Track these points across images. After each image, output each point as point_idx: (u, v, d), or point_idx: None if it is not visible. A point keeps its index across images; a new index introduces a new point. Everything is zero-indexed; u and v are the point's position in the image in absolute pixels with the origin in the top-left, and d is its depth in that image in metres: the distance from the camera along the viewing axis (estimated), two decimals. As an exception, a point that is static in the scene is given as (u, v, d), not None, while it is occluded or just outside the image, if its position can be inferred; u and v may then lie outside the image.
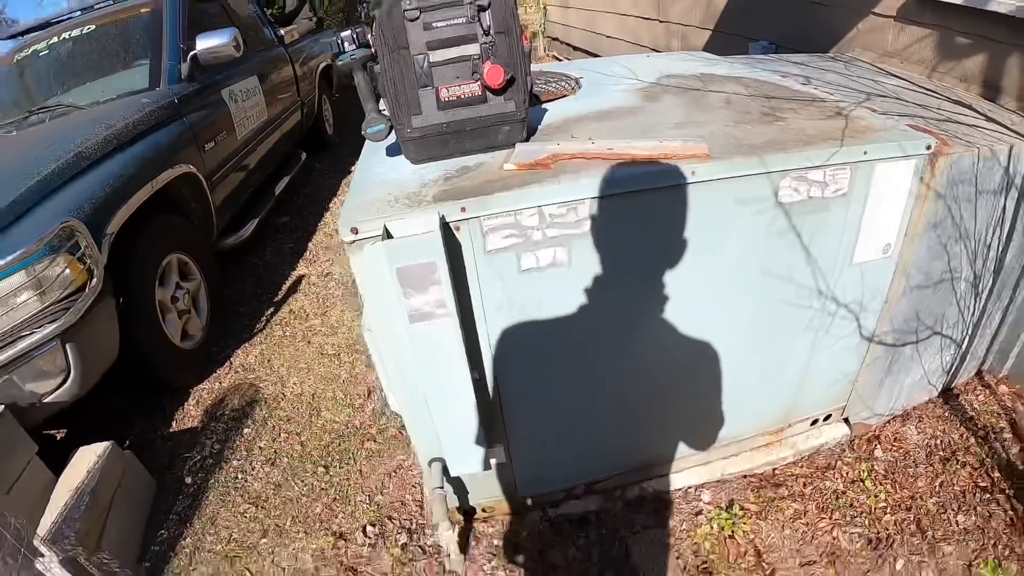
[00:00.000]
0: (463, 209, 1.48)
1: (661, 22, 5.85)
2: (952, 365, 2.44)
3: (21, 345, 2.38)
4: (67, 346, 2.48)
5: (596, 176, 1.51)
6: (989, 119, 2.16)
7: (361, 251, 1.47)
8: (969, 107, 2.29)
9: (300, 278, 4.31)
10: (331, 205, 5.57)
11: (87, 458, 2.40)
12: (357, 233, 1.47)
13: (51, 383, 2.49)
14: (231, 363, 3.46)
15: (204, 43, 3.91)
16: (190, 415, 3.14)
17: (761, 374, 2.09)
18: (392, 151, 1.86)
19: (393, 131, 1.69)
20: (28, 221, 2.54)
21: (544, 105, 2.18)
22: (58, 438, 3.16)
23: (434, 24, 1.57)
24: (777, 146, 1.64)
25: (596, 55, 8.02)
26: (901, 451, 2.38)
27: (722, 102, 2.11)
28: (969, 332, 2.35)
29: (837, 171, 1.68)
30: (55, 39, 4.39)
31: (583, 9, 8.39)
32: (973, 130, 1.99)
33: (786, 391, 2.19)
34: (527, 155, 1.63)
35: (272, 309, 3.96)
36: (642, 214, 1.58)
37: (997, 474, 2.23)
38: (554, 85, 2.40)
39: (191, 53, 3.94)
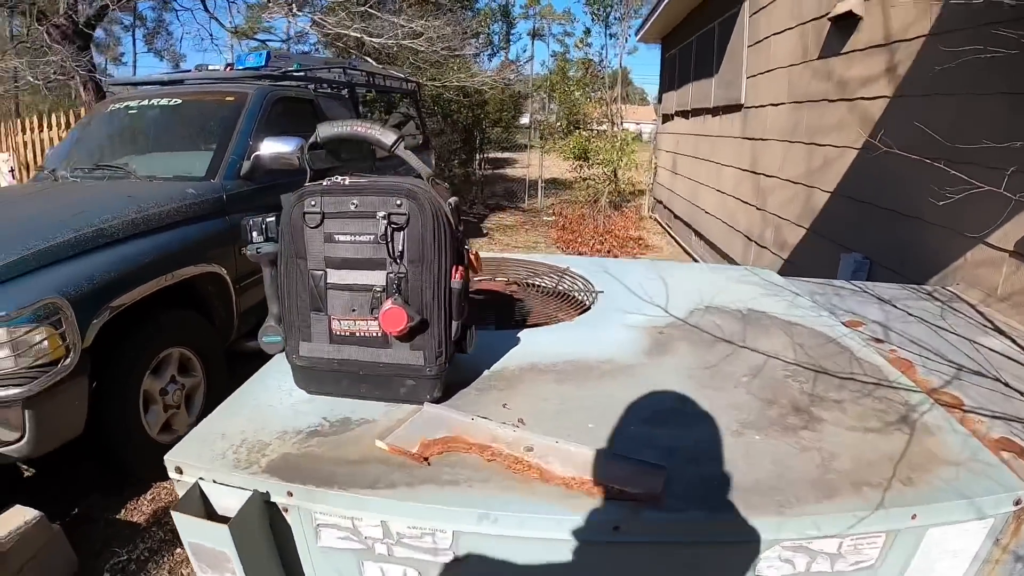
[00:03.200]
0: (290, 494, 1.05)
1: (758, 209, 5.37)
2: None
3: None
4: (27, 411, 2.41)
5: (469, 502, 1.02)
6: None
7: (181, 486, 1.13)
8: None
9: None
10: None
11: (14, 520, 2.37)
12: (181, 474, 1.13)
13: (7, 436, 2.45)
14: None
15: (268, 147, 3.69)
16: (140, 509, 2.90)
17: None
18: None
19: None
20: (24, 284, 2.51)
21: (525, 331, 1.71)
22: (24, 475, 3.18)
23: (336, 236, 1.18)
24: (780, 493, 1.06)
25: (694, 228, 7.59)
26: None
27: (748, 371, 1.53)
28: None
29: (864, 539, 1.07)
30: (145, 102, 4.38)
31: (688, 179, 8.06)
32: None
33: None
34: (416, 431, 1.17)
35: None
36: (523, 564, 1.05)
37: None
38: (564, 296, 1.95)
39: (256, 153, 3.75)
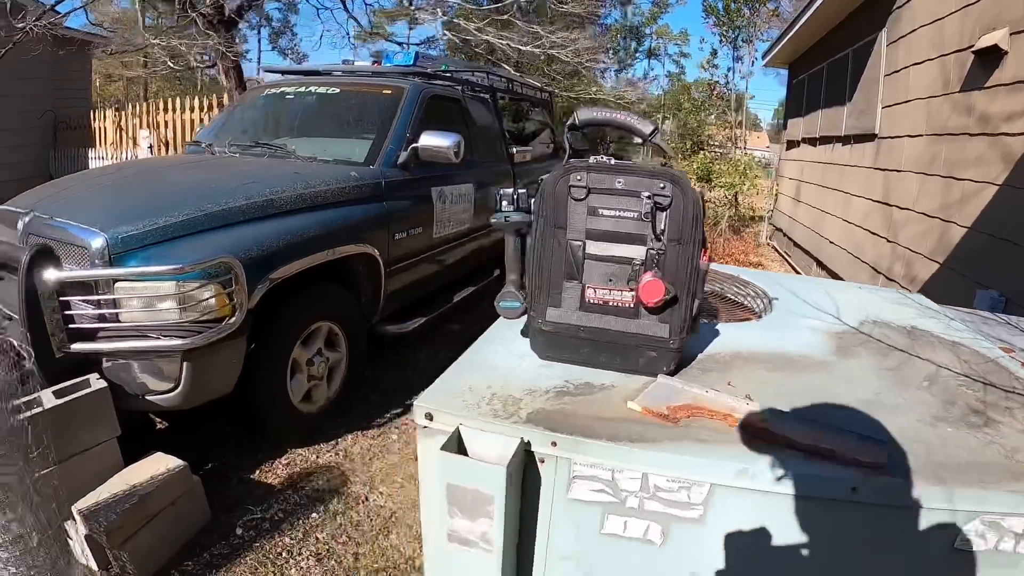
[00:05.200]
0: (553, 444, 1.12)
1: (888, 241, 5.23)
2: None
3: (149, 343, 2.47)
4: (185, 363, 2.50)
5: (729, 458, 1.09)
6: None
7: (430, 440, 1.20)
8: None
9: (440, 390, 4.00)
10: (504, 329, 5.26)
11: (156, 465, 2.44)
12: (431, 420, 1.20)
13: (160, 385, 2.53)
14: (336, 444, 3.25)
15: (426, 140, 3.86)
16: (275, 472, 2.98)
17: None
18: (525, 332, 1.54)
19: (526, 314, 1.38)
20: (196, 241, 2.64)
21: (720, 324, 1.76)
22: (156, 427, 3.31)
23: (600, 211, 1.26)
24: (978, 473, 1.13)
25: (815, 257, 7.41)
26: None
27: (926, 379, 1.56)
28: None
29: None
30: (303, 88, 4.62)
31: (813, 207, 7.87)
32: None
33: None
34: (660, 397, 1.24)
35: (401, 411, 3.68)
36: (768, 517, 1.13)
37: None
38: (742, 300, 1.99)
39: (413, 145, 3.91)
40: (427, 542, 1.31)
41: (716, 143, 10.53)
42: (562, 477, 1.15)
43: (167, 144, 8.49)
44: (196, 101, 8.39)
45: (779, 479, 1.06)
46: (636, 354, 1.33)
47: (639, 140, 1.35)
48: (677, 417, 1.17)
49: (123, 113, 9.36)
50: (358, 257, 3.43)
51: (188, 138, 8.30)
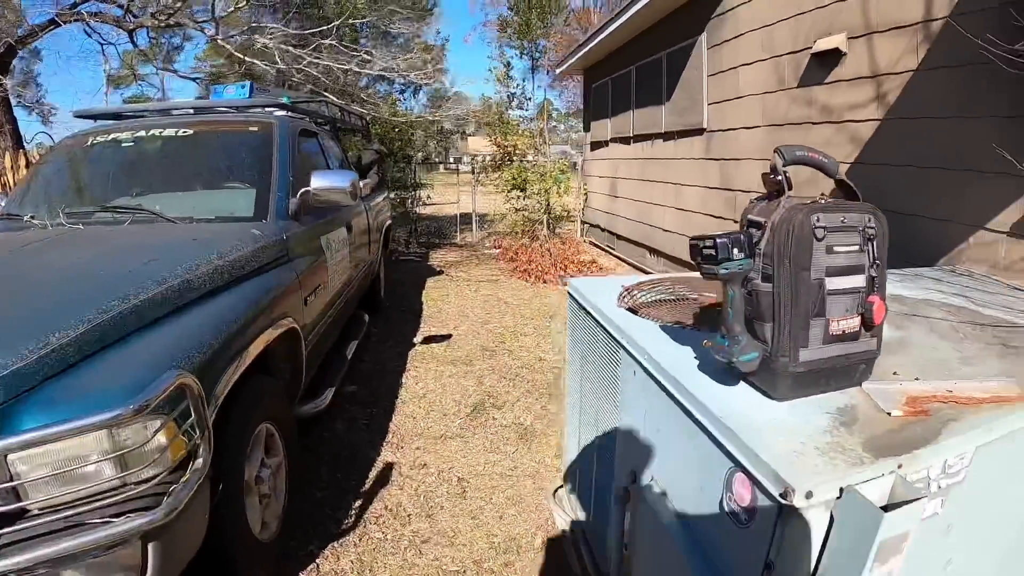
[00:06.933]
0: (900, 466, 1.32)
1: (736, 223, 5.97)
2: None
3: (87, 537, 1.66)
4: (150, 545, 1.79)
5: (976, 423, 1.45)
6: None
7: (809, 513, 1.25)
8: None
9: (389, 466, 3.74)
10: (404, 380, 5.14)
11: None
12: (811, 497, 1.24)
13: None
14: (318, 567, 2.84)
15: (320, 182, 3.61)
16: None
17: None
18: (721, 377, 1.68)
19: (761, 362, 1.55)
20: (115, 359, 1.96)
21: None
22: None
23: (835, 248, 1.52)
24: None
25: (649, 246, 8.19)
26: None
27: (949, 330, 2.13)
28: None
29: None
30: (142, 133, 4.06)
31: (636, 201, 8.70)
32: None
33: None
34: (892, 400, 1.56)
35: (360, 501, 3.37)
36: (991, 461, 1.50)
37: None
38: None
39: (302, 190, 3.65)
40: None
41: (520, 152, 11.05)
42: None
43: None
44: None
45: (1000, 425, 1.47)
46: (854, 371, 1.62)
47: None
48: (924, 409, 1.50)
49: None
50: (280, 334, 3.01)
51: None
